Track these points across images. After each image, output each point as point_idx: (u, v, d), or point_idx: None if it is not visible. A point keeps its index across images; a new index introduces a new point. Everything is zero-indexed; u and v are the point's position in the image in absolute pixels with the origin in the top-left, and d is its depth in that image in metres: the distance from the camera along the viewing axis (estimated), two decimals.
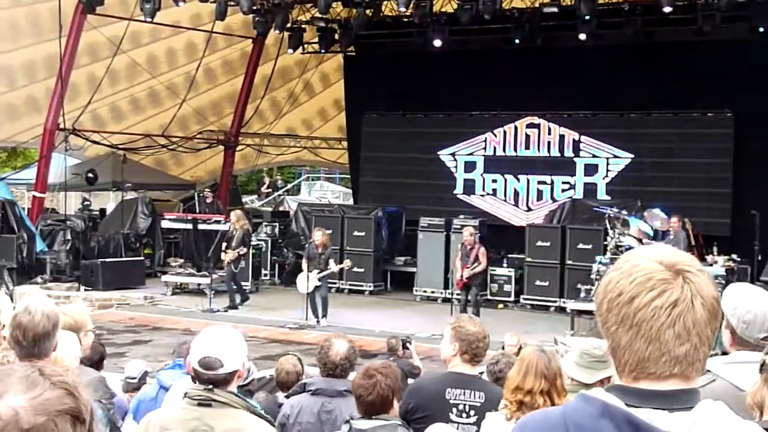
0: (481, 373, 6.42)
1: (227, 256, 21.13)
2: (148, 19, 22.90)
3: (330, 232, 22.32)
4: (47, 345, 4.28)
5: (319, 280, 19.21)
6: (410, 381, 7.77)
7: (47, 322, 4.33)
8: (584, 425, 1.99)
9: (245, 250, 21.57)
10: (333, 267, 19.39)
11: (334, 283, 22.70)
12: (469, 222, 22.47)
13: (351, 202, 30.48)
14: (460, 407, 5.59)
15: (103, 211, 28.21)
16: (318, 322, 19.20)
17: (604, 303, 2.08)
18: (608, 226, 19.43)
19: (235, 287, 21.48)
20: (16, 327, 4.34)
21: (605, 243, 19.62)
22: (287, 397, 6.54)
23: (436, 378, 6.02)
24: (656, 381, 2.03)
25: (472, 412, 5.57)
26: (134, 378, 8.80)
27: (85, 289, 22.28)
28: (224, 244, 21.56)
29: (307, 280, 19.22)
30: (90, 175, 25.67)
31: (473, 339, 5.70)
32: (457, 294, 19.67)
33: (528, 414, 2.40)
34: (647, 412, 1.98)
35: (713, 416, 2.02)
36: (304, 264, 19.50)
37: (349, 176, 34.08)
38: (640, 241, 18.58)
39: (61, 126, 24.43)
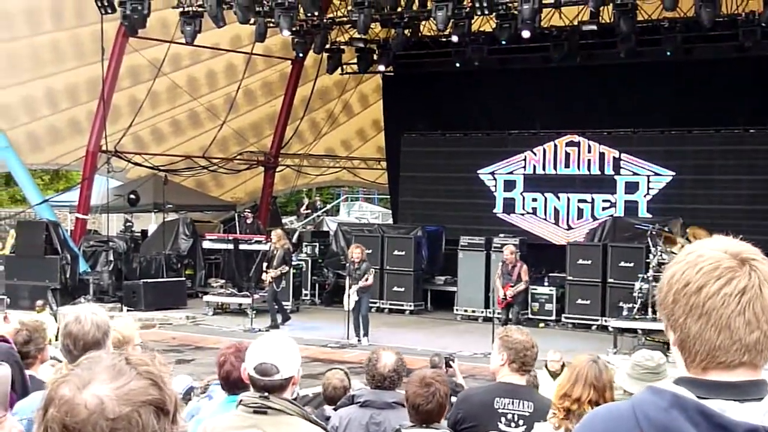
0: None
1: (269, 275, 21.19)
2: (189, 42, 23.08)
3: (370, 251, 22.36)
4: None
5: (357, 293, 19.22)
6: (453, 399, 7.76)
7: (97, 330, 4.36)
8: (654, 417, 1.98)
9: (287, 268, 21.62)
10: (368, 280, 19.40)
11: (375, 303, 22.72)
12: (509, 240, 22.43)
13: (390, 222, 30.50)
14: (509, 417, 5.57)
15: (144, 232, 28.41)
16: (359, 340, 19.20)
17: (670, 295, 2.07)
18: (650, 244, 19.30)
19: (276, 307, 21.54)
20: (67, 336, 4.38)
21: (647, 261, 19.47)
22: (335, 409, 6.55)
23: (484, 388, 6.02)
24: (725, 371, 2.02)
25: (520, 422, 5.55)
26: (180, 393, 8.83)
27: (128, 310, 22.41)
28: (265, 264, 21.63)
29: (347, 297, 19.31)
30: (132, 196, 25.89)
31: (521, 348, 5.68)
32: (498, 313, 19.62)
33: (596, 408, 2.39)
34: (718, 402, 1.98)
35: None
36: (347, 282, 19.62)
37: (387, 197, 34.12)
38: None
39: (104, 148, 24.63)
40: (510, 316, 19.15)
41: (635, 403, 2.06)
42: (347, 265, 20.25)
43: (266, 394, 4.06)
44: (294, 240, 27.03)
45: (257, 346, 4.24)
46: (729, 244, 2.08)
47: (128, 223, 27.15)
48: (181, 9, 22.29)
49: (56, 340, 10.63)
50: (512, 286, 19.12)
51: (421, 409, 5.18)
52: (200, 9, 21.99)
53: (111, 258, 24.26)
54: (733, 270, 2.02)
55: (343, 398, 6.55)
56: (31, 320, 7.34)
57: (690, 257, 2.07)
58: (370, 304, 20.79)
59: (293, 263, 23.21)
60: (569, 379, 5.15)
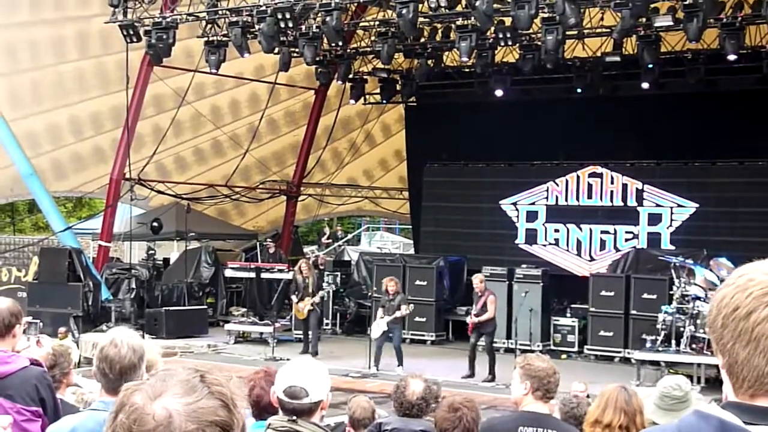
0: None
1: (307, 304, 21.05)
2: (213, 71, 23.19)
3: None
4: (133, 377, 4.30)
5: (387, 324, 19.17)
6: None
7: (133, 354, 4.36)
8: None
9: (325, 291, 21.66)
10: (399, 312, 19.33)
11: None
12: (532, 272, 22.47)
13: (411, 252, 30.47)
14: None
15: (166, 260, 28.48)
16: (377, 369, 19.25)
17: (719, 319, 2.04)
18: (674, 276, 19.20)
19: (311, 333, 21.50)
20: (103, 360, 4.36)
21: (671, 292, 19.37)
22: None
23: (508, 417, 5.96)
24: None
25: None
26: None
27: (150, 337, 22.41)
28: (294, 295, 21.50)
29: (376, 326, 19.38)
30: (155, 224, 25.98)
31: (543, 375, 5.63)
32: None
33: (645, 430, 2.37)
34: (765, 429, 1.95)
35: None
36: (379, 312, 19.59)
37: (408, 227, 34.11)
38: (705, 290, 18.36)
39: (127, 176, 24.76)
40: (481, 343, 19.19)
41: (681, 427, 2.03)
42: (381, 296, 20.10)
43: (294, 417, 4.04)
44: None
45: (287, 369, 4.23)
46: None
47: (150, 251, 27.21)
48: (205, 38, 22.41)
49: (78, 366, 10.64)
50: (476, 315, 19.02)
51: None
52: (225, 38, 22.11)
53: (133, 286, 24.34)
54: None
55: (370, 426, 6.50)
56: (56, 345, 7.33)
57: (740, 281, 2.03)
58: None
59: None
60: (599, 405, 5.15)
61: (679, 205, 23.95)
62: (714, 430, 1.95)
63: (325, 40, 21.85)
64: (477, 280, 19.58)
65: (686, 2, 18.14)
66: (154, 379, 1.87)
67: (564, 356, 21.68)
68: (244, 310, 25.91)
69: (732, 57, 19.69)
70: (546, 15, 19.24)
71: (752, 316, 1.97)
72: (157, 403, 1.80)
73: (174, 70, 24.67)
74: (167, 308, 23.72)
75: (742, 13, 19.12)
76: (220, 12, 22.01)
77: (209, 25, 22.44)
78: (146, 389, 1.84)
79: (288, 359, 19.54)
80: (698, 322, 17.97)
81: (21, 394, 5.02)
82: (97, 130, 26.04)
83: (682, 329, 18.22)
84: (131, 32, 22.17)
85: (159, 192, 27.06)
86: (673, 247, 23.14)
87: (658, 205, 24.22)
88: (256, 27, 20.99)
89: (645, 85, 22.58)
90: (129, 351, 4.33)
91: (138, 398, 1.83)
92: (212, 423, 1.80)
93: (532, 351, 18.79)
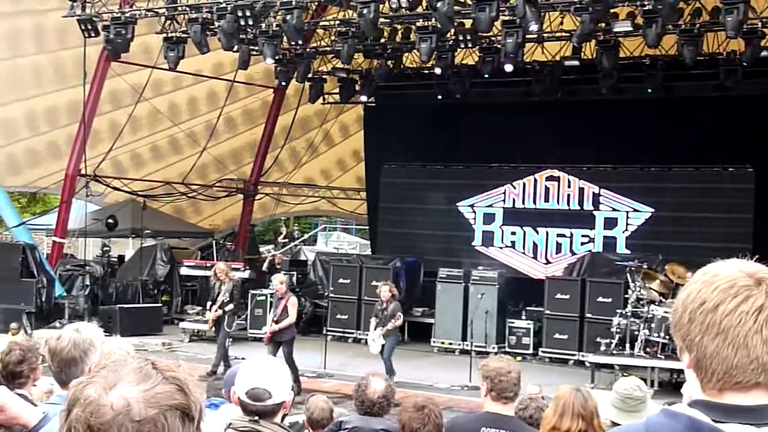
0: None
1: (210, 316, 19.20)
2: (171, 67, 23.00)
3: (348, 281, 22.33)
4: (74, 371, 4.25)
5: (384, 337, 17.78)
6: None
7: (74, 348, 4.31)
8: None
9: (231, 306, 18.94)
10: (391, 323, 17.71)
11: (352, 334, 22.70)
12: (488, 273, 22.50)
13: (367, 252, 30.45)
14: None
15: (121, 257, 28.28)
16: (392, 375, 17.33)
17: (685, 315, 2.06)
18: (629, 280, 19.33)
19: (225, 352, 19.05)
20: (46, 351, 4.38)
21: (626, 296, 19.51)
22: None
23: (471, 417, 5.97)
24: (741, 392, 2.00)
25: None
26: None
27: (104, 335, 22.20)
28: (209, 303, 19.78)
29: (372, 341, 18.12)
30: (110, 221, 25.76)
31: (495, 374, 5.60)
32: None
33: (611, 429, 2.38)
34: (734, 427, 1.96)
35: None
36: (372, 322, 18.37)
37: (365, 227, 34.07)
38: (662, 294, 18.51)
39: (83, 172, 24.55)
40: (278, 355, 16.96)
41: (649, 426, 2.03)
42: (375, 304, 18.84)
43: (257, 418, 4.01)
44: (264, 268, 26.80)
45: (248, 370, 4.18)
46: (744, 265, 2.07)
47: (105, 248, 27.00)
48: (164, 34, 22.25)
49: None
50: (276, 321, 17.27)
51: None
52: (184, 35, 21.97)
53: (87, 282, 24.16)
54: (749, 288, 2.01)
55: (329, 425, 6.47)
56: (24, 339, 7.25)
57: (705, 277, 2.07)
58: (359, 337, 20.52)
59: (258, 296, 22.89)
60: (555, 412, 5.12)
61: (635, 210, 24.12)
62: (683, 428, 1.95)
63: (285, 39, 21.77)
64: (277, 281, 18.01)
65: (645, 8, 18.29)
66: (105, 371, 1.85)
67: (519, 358, 21.69)
68: (199, 308, 25.74)
69: (690, 63, 19.82)
70: (506, 18, 19.28)
71: (720, 308, 2.00)
72: (113, 393, 1.79)
73: (132, 66, 24.50)
74: (121, 306, 23.56)
75: (701, 20, 19.28)
76: (179, 8, 21.85)
77: (168, 21, 22.29)
78: (99, 381, 1.83)
79: (243, 358, 19.52)
80: (652, 326, 18.12)
81: None
82: (52, 125, 25.77)
83: (636, 333, 18.34)
84: (89, 27, 21.96)
85: (115, 188, 26.79)
86: (628, 252, 23.26)
87: (614, 210, 24.37)
88: (216, 24, 20.86)
89: (603, 90, 22.68)
90: (69, 344, 4.29)
91: (92, 391, 1.81)
92: (172, 407, 1.80)
93: (488, 353, 18.75)
